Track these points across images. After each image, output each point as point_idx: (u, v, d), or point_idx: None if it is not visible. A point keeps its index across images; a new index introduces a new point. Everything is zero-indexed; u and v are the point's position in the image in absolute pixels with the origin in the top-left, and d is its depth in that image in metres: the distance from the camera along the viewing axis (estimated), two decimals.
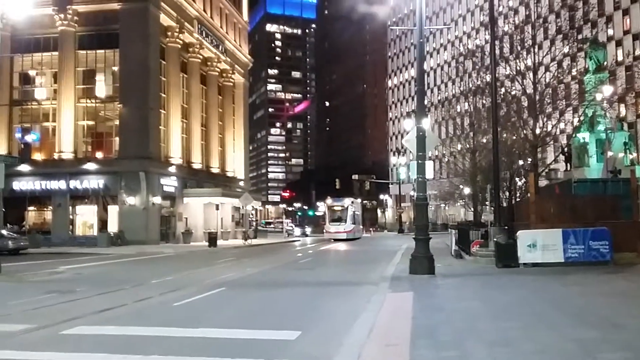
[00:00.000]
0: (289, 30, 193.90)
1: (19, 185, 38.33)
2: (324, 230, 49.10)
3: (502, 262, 15.29)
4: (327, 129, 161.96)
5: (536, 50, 23.79)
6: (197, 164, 46.28)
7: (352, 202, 47.69)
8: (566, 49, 25.32)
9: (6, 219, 37.32)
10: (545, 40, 27.22)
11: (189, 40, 45.40)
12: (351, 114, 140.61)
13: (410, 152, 16.09)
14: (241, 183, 56.17)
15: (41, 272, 18.00)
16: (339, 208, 46.50)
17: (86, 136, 40.70)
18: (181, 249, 34.52)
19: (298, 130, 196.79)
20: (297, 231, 65.40)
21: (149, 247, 34.60)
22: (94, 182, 38.53)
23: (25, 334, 7.94)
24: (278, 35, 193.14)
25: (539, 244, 14.92)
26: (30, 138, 37.04)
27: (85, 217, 39.98)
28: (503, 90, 26.03)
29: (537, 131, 22.59)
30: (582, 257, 14.79)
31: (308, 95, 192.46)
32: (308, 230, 65.79)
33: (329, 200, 49.03)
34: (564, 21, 26.83)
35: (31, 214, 40.87)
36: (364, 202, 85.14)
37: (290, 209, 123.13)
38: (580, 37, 27.86)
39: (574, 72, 26.29)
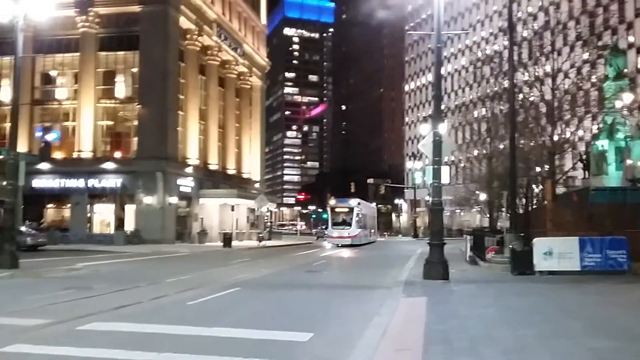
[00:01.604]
0: (306, 34, 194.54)
1: (38, 183, 38.89)
2: (326, 235, 44.82)
3: (518, 269, 15.16)
4: (343, 132, 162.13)
5: (555, 56, 23.58)
6: (213, 165, 46.57)
7: (359, 204, 43.23)
8: (586, 56, 25.06)
9: (25, 216, 37.87)
10: (565, 47, 26.96)
11: (207, 43, 45.76)
12: (367, 117, 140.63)
13: (426, 157, 16.04)
14: (257, 185, 56.39)
15: (59, 268, 18.22)
16: (344, 210, 41.90)
17: (105, 136, 41.20)
18: (196, 248, 34.74)
19: (314, 134, 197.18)
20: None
21: (165, 246, 34.89)
22: (112, 182, 38.98)
23: (41, 329, 8.05)
24: (296, 39, 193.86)
25: (555, 252, 14.77)
26: (50, 137, 37.67)
27: (103, 215, 40.44)
28: (521, 96, 25.85)
29: (555, 138, 22.38)
30: (598, 266, 14.62)
31: (325, 99, 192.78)
32: None
33: (332, 201, 44.64)
34: (583, 27, 26.51)
35: (50, 212, 41.43)
36: (379, 206, 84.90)
37: (305, 211, 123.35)
38: (600, 43, 27.53)
39: (593, 79, 25.97)
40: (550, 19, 25.74)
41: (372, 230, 52.06)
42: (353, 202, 43.05)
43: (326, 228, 63.69)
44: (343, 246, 38.93)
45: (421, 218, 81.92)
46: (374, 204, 64.00)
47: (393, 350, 6.41)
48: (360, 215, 42.11)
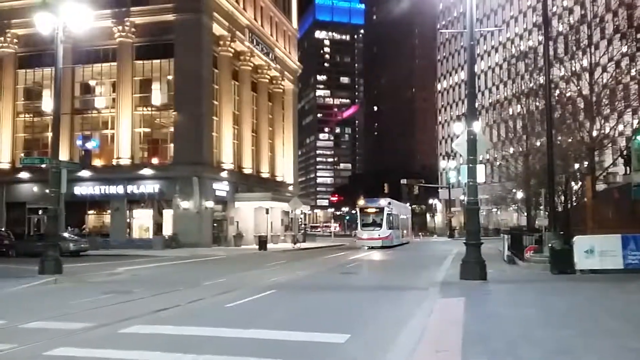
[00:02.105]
0: (337, 36, 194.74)
1: (79, 190, 39.99)
2: (356, 236, 42.73)
3: (558, 268, 14.85)
4: (376, 133, 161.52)
5: (592, 50, 23.05)
6: (247, 169, 47.06)
7: (390, 204, 41.37)
8: (624, 49, 24.40)
9: (67, 222, 38.99)
10: (602, 40, 26.30)
11: (240, 49, 46.29)
12: (400, 118, 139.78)
13: (461, 156, 15.85)
14: (290, 188, 56.68)
15: (100, 273, 18.69)
16: (373, 210, 40.06)
17: (142, 143, 42.06)
18: (232, 251, 35.12)
19: (346, 135, 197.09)
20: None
21: (202, 249, 35.42)
22: (150, 187, 39.76)
23: (85, 332, 8.29)
24: (327, 42, 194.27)
25: (597, 250, 14.41)
26: (90, 145, 38.67)
27: (142, 220, 41.27)
28: (557, 92, 25.34)
29: (594, 133, 21.87)
30: None
31: (356, 101, 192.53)
32: None
33: (361, 202, 42.67)
34: (621, 20, 25.80)
35: (91, 218, 42.53)
36: (413, 206, 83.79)
37: (338, 213, 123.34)
38: (639, 36, 26.76)
39: (633, 73, 25.24)
40: (587, 12, 25.13)
41: (405, 231, 50.18)
42: (383, 202, 41.19)
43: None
44: (373, 248, 37.63)
45: (456, 218, 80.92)
46: (407, 204, 62.47)
47: (431, 351, 6.37)
48: (391, 216, 40.60)
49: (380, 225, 38.99)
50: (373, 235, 38.74)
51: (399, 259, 28.25)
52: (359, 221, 40.83)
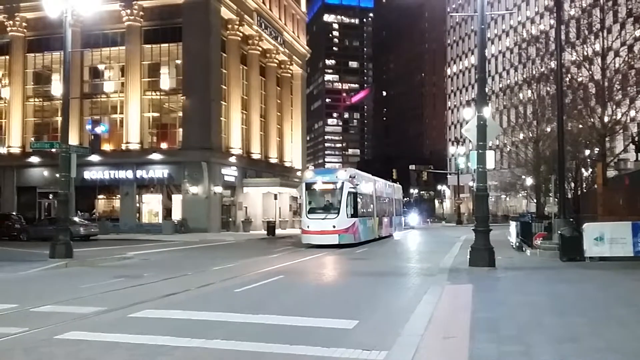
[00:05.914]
0: (346, 20, 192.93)
1: (89, 174, 40.19)
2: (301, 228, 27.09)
3: (567, 255, 14.79)
4: (384, 118, 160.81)
5: (605, 34, 22.71)
6: (256, 155, 47.06)
7: (353, 177, 26.06)
8: (638, 33, 24.04)
9: (78, 207, 39.24)
10: (615, 24, 25.90)
11: (248, 33, 46.04)
12: (409, 103, 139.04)
13: (470, 141, 15.73)
14: (299, 173, 56.58)
15: (110, 257, 18.84)
16: (326, 187, 25.77)
17: (151, 127, 42.11)
18: (241, 237, 35.28)
19: (355, 121, 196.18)
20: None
21: (211, 234, 35.60)
22: (159, 172, 39.89)
23: (95, 316, 8.40)
24: (335, 26, 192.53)
25: (607, 237, 14.32)
26: (99, 129, 38.89)
27: (151, 205, 41.49)
28: (569, 77, 25.05)
29: (606, 119, 21.64)
30: None
31: (365, 85, 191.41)
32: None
33: (309, 174, 28.11)
34: (634, 3, 25.38)
35: (101, 202, 42.77)
36: (421, 192, 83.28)
37: None
38: None
39: None
40: None
41: (388, 220, 35.68)
42: (343, 173, 26.02)
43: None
44: (324, 247, 23.52)
45: (465, 204, 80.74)
46: (397, 184, 46.44)
47: (439, 337, 6.37)
48: (356, 195, 25.84)
49: (337, 210, 24.82)
50: (325, 226, 24.56)
51: (407, 245, 28.19)
52: (304, 204, 26.10)
